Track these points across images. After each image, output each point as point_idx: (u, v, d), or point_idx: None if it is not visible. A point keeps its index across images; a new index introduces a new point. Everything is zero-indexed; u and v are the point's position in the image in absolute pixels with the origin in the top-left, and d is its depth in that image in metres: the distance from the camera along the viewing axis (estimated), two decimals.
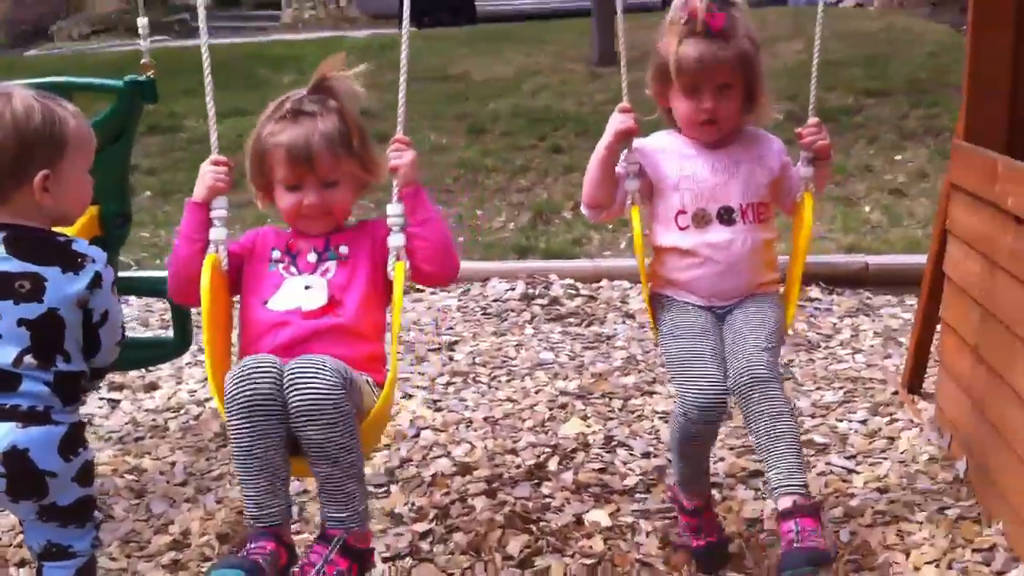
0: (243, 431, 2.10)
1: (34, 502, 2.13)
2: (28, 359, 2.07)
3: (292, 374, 2.08)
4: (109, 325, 2.16)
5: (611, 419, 3.48)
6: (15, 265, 2.06)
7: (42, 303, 2.06)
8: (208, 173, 2.40)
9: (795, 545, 2.20)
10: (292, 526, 2.36)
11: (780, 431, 2.34)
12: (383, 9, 16.56)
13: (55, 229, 2.16)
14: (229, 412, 2.12)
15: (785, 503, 2.29)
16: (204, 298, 2.29)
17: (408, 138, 2.39)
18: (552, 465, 3.14)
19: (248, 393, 2.08)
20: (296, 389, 2.07)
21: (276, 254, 2.38)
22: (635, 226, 2.51)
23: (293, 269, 2.35)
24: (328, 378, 2.08)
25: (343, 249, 2.36)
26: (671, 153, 2.56)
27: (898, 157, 7.12)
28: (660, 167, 2.54)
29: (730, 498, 2.93)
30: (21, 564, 2.68)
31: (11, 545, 2.78)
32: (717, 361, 2.41)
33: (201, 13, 2.51)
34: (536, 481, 3.05)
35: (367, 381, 2.28)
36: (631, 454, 3.23)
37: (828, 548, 2.27)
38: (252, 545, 2.13)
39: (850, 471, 3.07)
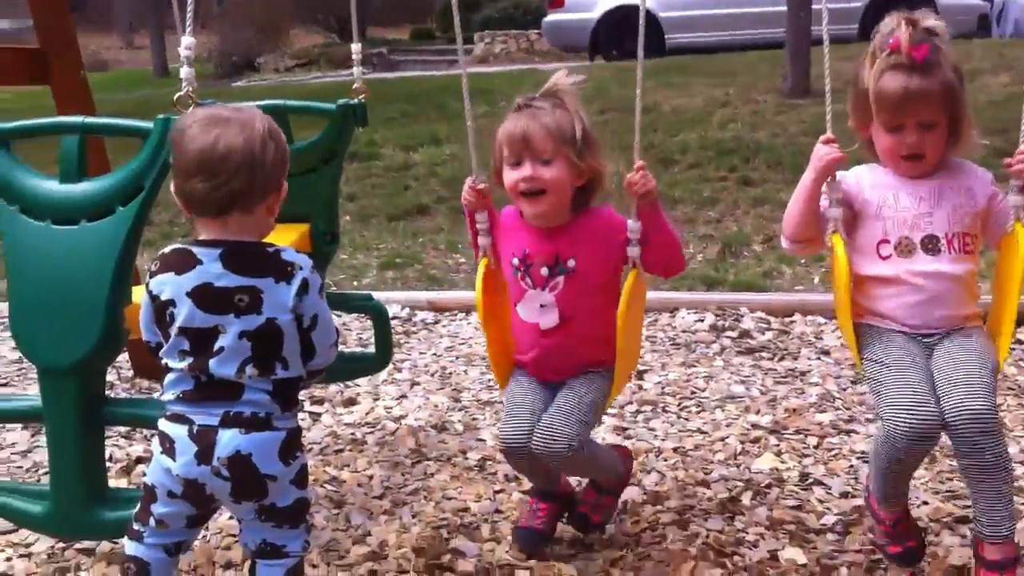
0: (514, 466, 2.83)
1: (255, 503, 2.25)
2: (250, 369, 2.17)
3: (536, 441, 2.59)
4: (320, 328, 2.25)
5: (806, 456, 3.38)
6: (232, 280, 2.16)
7: (261, 314, 2.16)
8: (464, 194, 2.75)
9: None
10: None
11: (996, 475, 2.26)
12: (573, 42, 16.74)
13: (266, 242, 2.26)
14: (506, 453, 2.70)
15: (992, 554, 2.21)
16: (478, 296, 2.71)
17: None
18: (745, 500, 3.08)
19: (509, 452, 2.68)
20: (542, 455, 2.60)
21: (515, 261, 2.71)
22: (839, 254, 2.46)
23: (529, 280, 2.69)
24: (561, 442, 2.56)
25: (571, 263, 2.65)
26: (873, 183, 2.51)
27: None
28: (862, 196, 2.50)
29: (935, 543, 2.80)
30: (227, 566, 2.81)
31: (219, 547, 2.91)
32: (928, 387, 2.32)
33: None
34: (729, 515, 3.00)
35: (602, 382, 2.70)
36: (828, 493, 3.13)
37: None
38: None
39: None
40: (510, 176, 2.62)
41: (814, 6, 10.45)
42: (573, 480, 2.96)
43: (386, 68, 19.33)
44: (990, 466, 2.26)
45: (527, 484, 3.03)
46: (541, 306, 2.68)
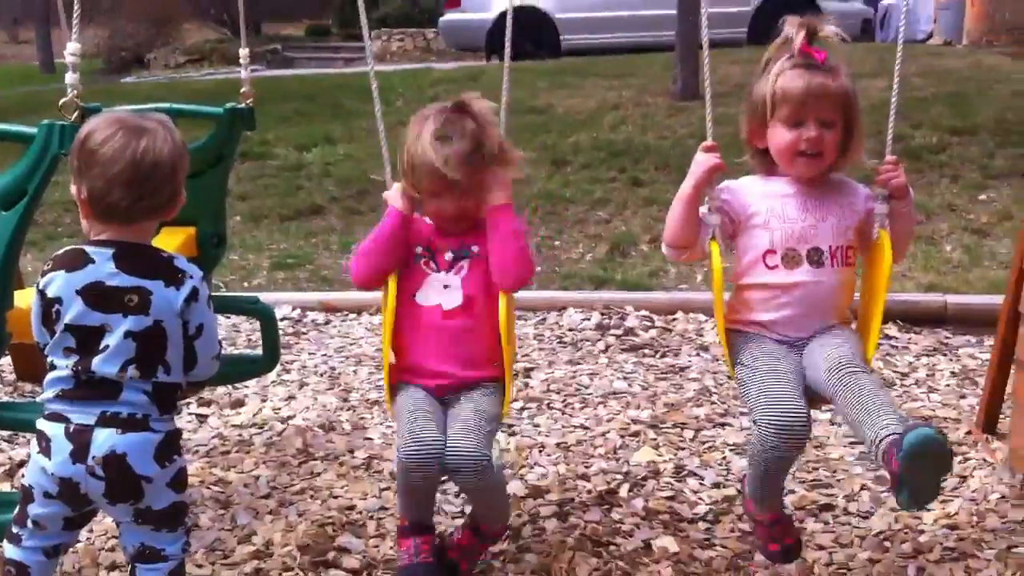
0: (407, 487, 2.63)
1: (130, 505, 2.27)
2: (132, 370, 2.21)
3: (450, 458, 2.47)
4: (204, 338, 2.30)
5: (682, 448, 3.53)
6: (123, 280, 2.20)
7: (148, 315, 2.20)
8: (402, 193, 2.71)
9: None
10: None
11: (878, 401, 2.33)
12: (469, 42, 16.81)
13: (157, 247, 2.31)
14: (401, 470, 2.55)
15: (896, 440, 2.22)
16: (391, 290, 2.67)
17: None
18: (623, 492, 3.20)
19: (416, 470, 2.49)
20: (455, 473, 2.51)
21: (419, 249, 2.70)
22: (714, 261, 2.53)
23: (433, 265, 2.68)
24: (478, 458, 2.47)
25: (475, 248, 2.67)
26: (760, 193, 2.58)
27: (982, 197, 7.05)
28: (749, 207, 2.56)
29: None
30: (112, 567, 2.82)
31: (103, 549, 2.91)
32: (797, 385, 2.43)
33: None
34: (607, 506, 3.12)
35: (496, 396, 2.67)
36: (701, 483, 3.27)
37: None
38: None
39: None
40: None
41: (703, 10, 10.71)
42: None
43: (280, 65, 19.14)
44: (873, 397, 2.33)
45: None
46: (444, 287, 2.66)
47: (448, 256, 2.68)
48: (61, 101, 2.60)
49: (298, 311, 5.21)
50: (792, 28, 2.52)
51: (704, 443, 3.58)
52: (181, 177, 2.26)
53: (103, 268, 2.21)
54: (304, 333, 4.94)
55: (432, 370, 2.66)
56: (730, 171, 2.59)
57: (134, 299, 2.20)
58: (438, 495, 2.79)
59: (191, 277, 2.25)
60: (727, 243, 2.59)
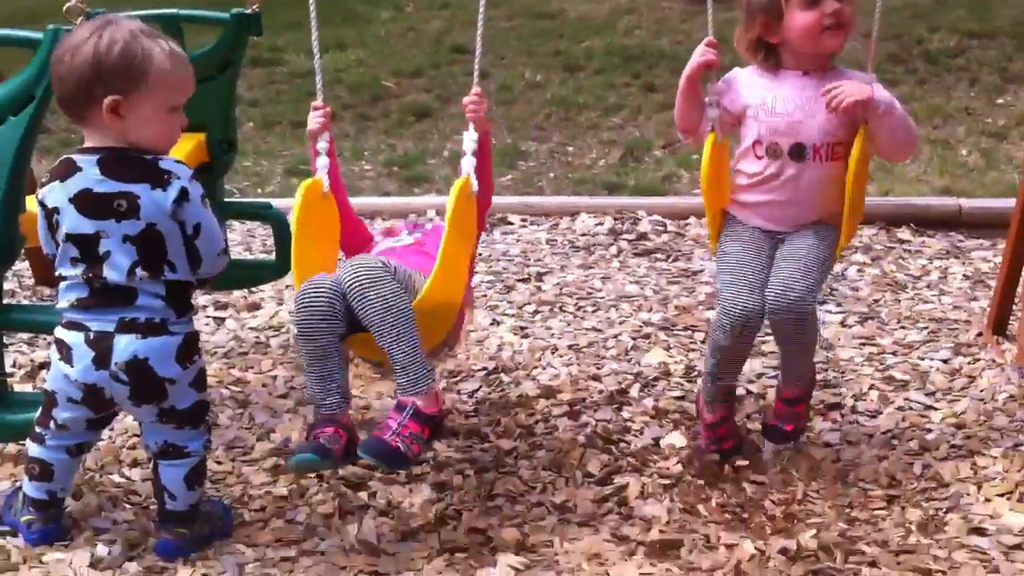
0: (305, 335, 2.53)
1: (155, 405, 2.33)
2: (139, 271, 2.24)
3: (347, 274, 2.48)
4: (204, 236, 2.29)
5: (693, 351, 3.57)
6: (111, 186, 2.22)
7: (140, 220, 2.22)
8: (311, 118, 2.80)
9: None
10: None
11: (802, 352, 2.75)
12: None
13: (143, 149, 2.28)
14: (297, 318, 2.55)
15: (789, 393, 2.85)
16: (295, 215, 2.69)
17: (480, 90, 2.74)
18: (633, 391, 3.25)
19: (309, 305, 2.50)
20: (352, 278, 2.47)
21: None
22: (705, 150, 2.70)
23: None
24: (373, 264, 2.49)
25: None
26: (756, 85, 2.70)
27: (1000, 100, 6.96)
28: (742, 98, 2.70)
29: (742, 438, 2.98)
30: (134, 464, 2.88)
31: (124, 447, 2.98)
32: (756, 285, 2.63)
33: None
34: (617, 406, 3.17)
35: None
36: None
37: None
38: (316, 430, 2.50)
39: (928, 407, 3.12)
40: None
41: None
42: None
43: None
44: (797, 349, 2.72)
45: None
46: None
47: None
48: (66, 6, 2.60)
49: None
50: None
51: None
52: (101, 75, 2.17)
53: (90, 175, 2.22)
54: None
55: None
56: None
57: (123, 204, 2.21)
58: None
59: (178, 177, 2.25)
60: (729, 132, 2.75)
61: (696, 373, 3.38)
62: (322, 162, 2.79)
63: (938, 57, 7.57)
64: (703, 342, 3.64)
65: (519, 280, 4.28)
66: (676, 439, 2.95)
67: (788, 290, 2.57)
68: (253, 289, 4.15)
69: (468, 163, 2.71)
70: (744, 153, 2.73)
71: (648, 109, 7.30)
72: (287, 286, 4.25)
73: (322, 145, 2.79)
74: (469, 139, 2.72)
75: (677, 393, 3.24)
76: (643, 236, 4.80)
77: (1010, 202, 3.98)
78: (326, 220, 2.83)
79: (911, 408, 3.11)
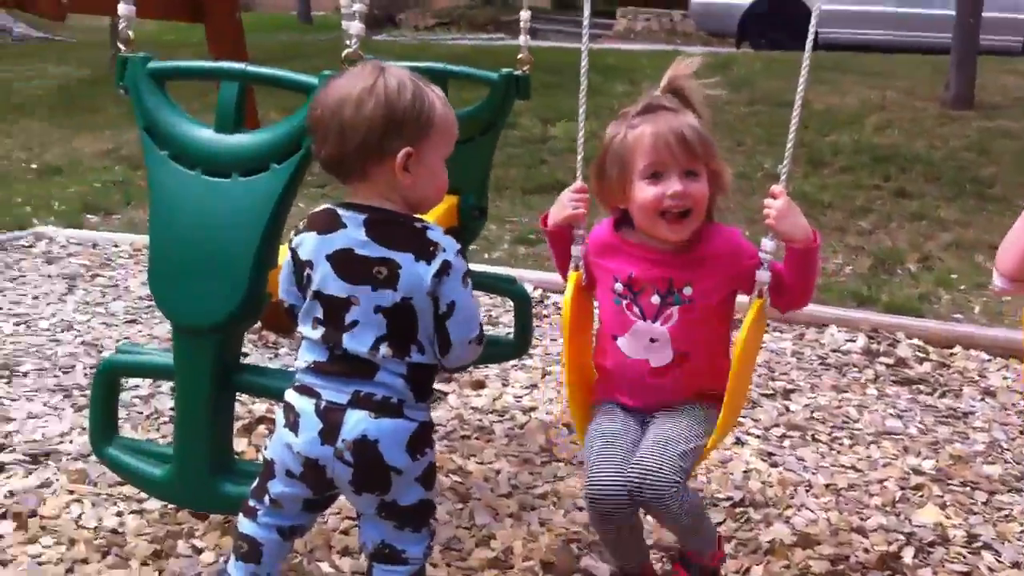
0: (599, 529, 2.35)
1: (376, 496, 2.07)
2: (384, 348, 2.00)
3: (637, 477, 2.19)
4: (458, 317, 2.03)
5: (974, 513, 3.06)
6: (374, 250, 2.00)
7: (396, 291, 1.99)
8: (568, 200, 2.46)
9: None
10: None
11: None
12: (720, 27, 16.25)
13: (411, 214, 2.07)
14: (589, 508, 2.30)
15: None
16: (566, 314, 2.42)
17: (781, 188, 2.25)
18: (907, 557, 2.78)
19: (605, 506, 2.24)
20: (643, 496, 2.19)
21: (619, 287, 2.36)
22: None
23: (637, 310, 2.33)
24: (670, 482, 2.16)
25: (687, 291, 2.30)
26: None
27: None
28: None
29: None
30: (344, 552, 2.66)
31: (336, 530, 2.75)
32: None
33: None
34: (889, 572, 2.71)
35: (709, 416, 2.33)
36: (998, 559, 2.81)
37: None
38: None
39: None
40: (647, 192, 2.25)
41: (984, 13, 9.87)
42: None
43: (528, 34, 19.09)
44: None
45: None
46: (652, 340, 2.32)
47: (654, 300, 2.31)
48: (344, 52, 2.44)
49: (540, 291, 4.97)
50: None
51: (999, 510, 3.09)
52: (395, 122, 1.97)
53: (353, 235, 2.01)
54: (546, 315, 4.70)
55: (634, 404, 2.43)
56: None
57: (383, 272, 1.99)
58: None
59: (444, 250, 2.00)
60: None
61: (979, 544, 2.89)
62: (579, 251, 2.45)
63: None
64: (985, 504, 3.13)
65: (763, 395, 3.88)
66: None
67: (649, 474, 2.20)
68: (477, 364, 3.90)
69: (763, 276, 2.28)
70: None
71: (900, 216, 6.80)
72: (512, 365, 4.00)
73: (580, 232, 2.44)
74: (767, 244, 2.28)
75: (960, 568, 2.75)
76: (902, 362, 4.30)
77: None
78: (584, 315, 2.53)
79: None
